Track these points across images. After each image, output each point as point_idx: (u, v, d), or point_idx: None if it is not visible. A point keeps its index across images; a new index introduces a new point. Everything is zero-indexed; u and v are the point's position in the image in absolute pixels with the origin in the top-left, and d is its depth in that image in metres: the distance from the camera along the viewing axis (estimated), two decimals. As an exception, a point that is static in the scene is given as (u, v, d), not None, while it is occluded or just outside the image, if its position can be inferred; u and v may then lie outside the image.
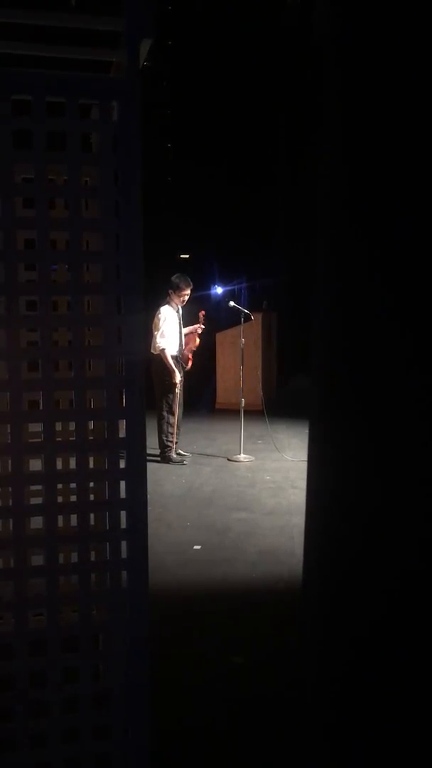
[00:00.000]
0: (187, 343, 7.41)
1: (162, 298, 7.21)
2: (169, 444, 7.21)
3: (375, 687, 1.96)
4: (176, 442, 7.32)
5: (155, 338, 7.06)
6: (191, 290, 7.26)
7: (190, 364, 7.43)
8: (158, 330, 7.05)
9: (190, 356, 7.45)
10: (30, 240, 2.40)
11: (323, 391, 2.09)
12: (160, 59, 14.97)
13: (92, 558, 2.16)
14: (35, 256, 1.99)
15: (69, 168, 1.96)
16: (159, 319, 7.09)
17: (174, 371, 7.09)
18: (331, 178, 2.06)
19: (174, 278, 7.24)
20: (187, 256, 17.37)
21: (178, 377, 7.14)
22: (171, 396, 7.16)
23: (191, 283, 7.26)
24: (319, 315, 2.11)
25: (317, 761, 2.17)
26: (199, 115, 15.36)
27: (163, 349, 7.03)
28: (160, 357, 7.06)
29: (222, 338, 10.37)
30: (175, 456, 7.24)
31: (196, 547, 4.80)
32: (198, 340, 7.50)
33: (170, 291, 7.19)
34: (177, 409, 7.23)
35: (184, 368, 7.34)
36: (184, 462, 7.24)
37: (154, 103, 15.44)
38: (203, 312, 7.57)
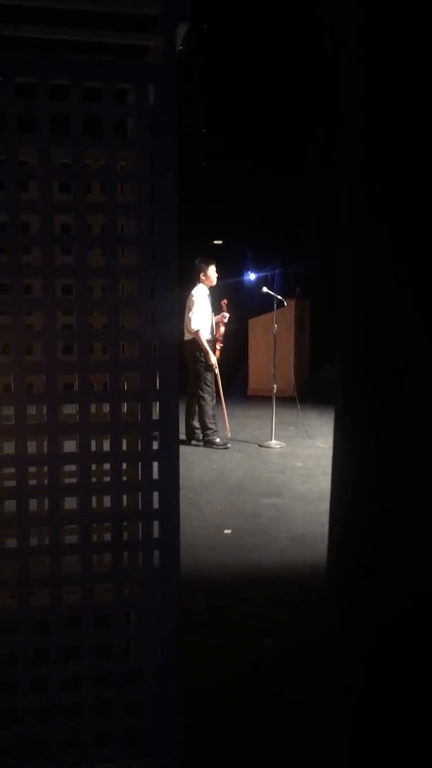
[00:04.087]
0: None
1: (192, 283, 7.25)
2: (212, 427, 7.25)
3: (397, 674, 1.96)
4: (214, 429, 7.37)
5: (190, 320, 7.07)
6: (215, 267, 7.33)
7: (218, 353, 7.43)
8: (192, 312, 7.07)
9: (217, 347, 7.45)
10: (61, 225, 2.44)
11: (346, 379, 2.09)
12: (196, 43, 14.88)
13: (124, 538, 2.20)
14: (72, 240, 2.02)
15: (105, 152, 1.98)
16: (193, 302, 7.10)
17: (209, 353, 7.12)
18: (352, 166, 2.05)
19: (197, 262, 7.30)
20: (220, 242, 17.33)
21: (213, 359, 7.17)
22: (209, 378, 7.19)
23: (213, 260, 7.36)
24: (342, 302, 2.10)
25: (337, 747, 2.19)
26: (233, 100, 15.26)
27: (197, 331, 7.05)
28: (195, 340, 7.09)
29: (254, 324, 10.36)
30: (218, 440, 7.29)
31: (226, 531, 4.83)
32: (222, 329, 7.52)
33: (200, 275, 7.23)
34: (214, 392, 7.28)
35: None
36: (228, 445, 7.28)
37: (188, 87, 15.38)
38: (226, 300, 7.58)
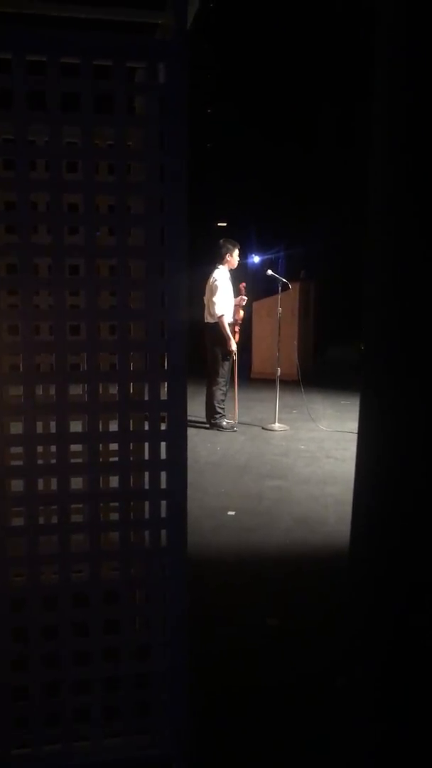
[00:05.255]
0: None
1: (206, 265, 7.20)
2: (220, 411, 7.29)
3: (421, 654, 1.98)
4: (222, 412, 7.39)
5: (213, 305, 7.01)
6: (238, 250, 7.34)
7: (236, 337, 7.35)
8: (216, 296, 7.02)
9: (236, 330, 7.38)
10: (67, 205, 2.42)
11: (374, 359, 2.09)
12: (201, 21, 14.70)
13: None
14: (81, 219, 2.02)
15: (116, 131, 1.97)
16: (216, 286, 7.05)
17: (231, 339, 7.10)
18: (386, 144, 2.03)
19: (221, 243, 7.26)
20: (224, 224, 17.26)
21: (234, 345, 7.16)
22: (226, 364, 7.19)
23: (238, 243, 7.35)
24: (370, 283, 2.10)
25: (355, 720, 2.22)
26: (239, 79, 15.11)
27: (221, 316, 7.02)
28: (217, 324, 7.05)
29: (259, 307, 10.35)
30: (225, 423, 7.31)
31: (230, 512, 4.86)
32: (242, 313, 7.48)
33: (226, 257, 7.19)
34: (228, 377, 7.29)
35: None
36: (235, 429, 7.31)
37: (194, 66, 15.22)
38: (243, 284, 7.54)
